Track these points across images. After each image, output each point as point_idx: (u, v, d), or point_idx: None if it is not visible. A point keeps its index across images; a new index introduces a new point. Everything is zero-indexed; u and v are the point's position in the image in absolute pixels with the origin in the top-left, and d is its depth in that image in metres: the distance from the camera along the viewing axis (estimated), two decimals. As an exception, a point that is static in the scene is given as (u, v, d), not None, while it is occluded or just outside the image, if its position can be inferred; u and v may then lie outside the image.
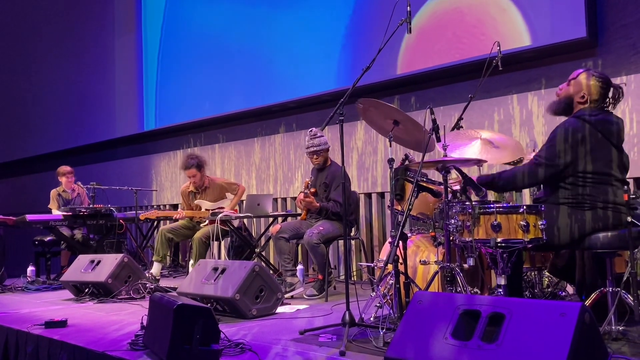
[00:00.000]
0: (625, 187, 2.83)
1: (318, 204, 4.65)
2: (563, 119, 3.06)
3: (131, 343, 2.96)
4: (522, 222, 2.67)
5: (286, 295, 4.34)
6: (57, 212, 6.51)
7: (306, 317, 3.66)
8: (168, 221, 7.02)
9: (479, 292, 3.29)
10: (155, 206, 7.93)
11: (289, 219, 5.51)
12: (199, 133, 7.63)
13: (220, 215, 5.22)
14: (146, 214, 5.82)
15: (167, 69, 7.82)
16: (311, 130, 4.77)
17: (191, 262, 5.33)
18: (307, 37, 6.07)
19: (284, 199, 6.51)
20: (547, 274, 3.71)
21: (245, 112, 6.76)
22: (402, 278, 3.07)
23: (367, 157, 5.72)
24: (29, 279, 5.73)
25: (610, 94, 2.98)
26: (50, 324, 3.49)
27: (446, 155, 3.12)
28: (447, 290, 2.97)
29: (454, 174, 3.38)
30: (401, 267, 3.08)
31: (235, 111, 6.82)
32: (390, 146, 3.27)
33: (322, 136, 4.76)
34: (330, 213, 4.63)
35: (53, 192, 6.70)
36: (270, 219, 5.90)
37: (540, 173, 2.91)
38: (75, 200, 6.66)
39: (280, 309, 3.87)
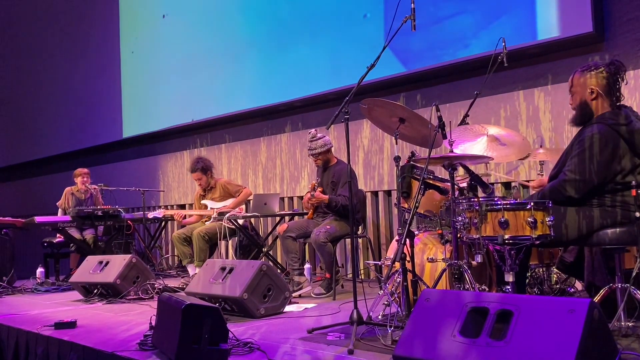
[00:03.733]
0: (633, 182, 2.80)
1: (326, 197, 4.62)
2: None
3: (140, 343, 2.97)
4: (529, 219, 2.66)
5: (294, 294, 4.35)
6: (60, 211, 6.57)
7: (314, 316, 3.66)
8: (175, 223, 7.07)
9: (486, 289, 3.28)
10: (162, 206, 7.95)
11: (296, 218, 5.52)
12: (205, 133, 7.64)
13: (227, 215, 5.23)
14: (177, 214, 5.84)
15: (172, 70, 7.84)
16: (310, 133, 4.78)
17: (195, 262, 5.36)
18: (311, 35, 6.07)
19: (291, 198, 6.52)
20: (555, 270, 3.69)
21: (251, 112, 6.77)
22: (409, 276, 3.06)
23: (373, 155, 5.71)
24: (39, 281, 5.76)
25: (613, 74, 2.90)
26: (60, 325, 3.51)
27: (452, 152, 3.11)
28: (455, 287, 2.97)
29: (461, 171, 3.37)
30: (408, 265, 3.08)
31: (241, 111, 6.83)
32: (397, 144, 3.27)
33: (322, 137, 4.75)
34: (340, 206, 4.59)
35: (67, 190, 6.76)
36: (277, 218, 5.91)
37: (571, 189, 2.81)
38: (88, 201, 6.69)
39: (288, 308, 3.88)
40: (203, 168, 5.70)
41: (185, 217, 5.77)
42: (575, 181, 2.82)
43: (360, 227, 4.95)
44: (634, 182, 2.78)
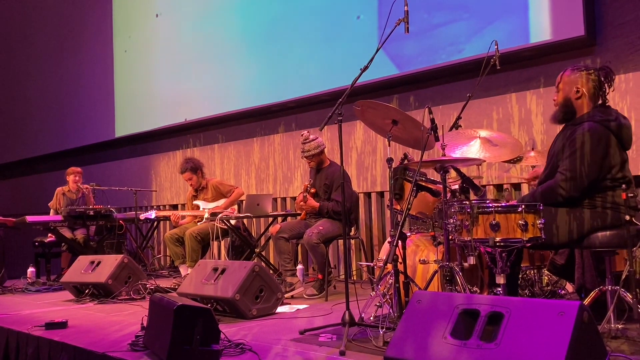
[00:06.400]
0: (624, 185, 2.83)
1: (317, 204, 4.67)
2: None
3: (131, 344, 2.97)
4: (520, 222, 2.68)
5: (286, 295, 4.35)
6: (52, 211, 6.54)
7: (306, 317, 3.66)
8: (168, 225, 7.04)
9: (478, 291, 3.29)
10: (154, 206, 7.94)
11: (289, 218, 5.52)
12: (198, 133, 7.63)
13: (220, 215, 5.22)
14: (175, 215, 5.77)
15: (165, 69, 7.82)
16: (302, 135, 4.79)
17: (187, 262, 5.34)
18: (305, 36, 6.07)
19: (284, 199, 6.52)
20: (546, 272, 3.72)
21: (244, 112, 6.76)
22: (401, 277, 3.07)
23: (366, 156, 5.72)
24: (29, 280, 5.74)
25: (602, 79, 2.95)
26: (51, 325, 3.50)
27: (445, 155, 3.12)
28: (447, 289, 2.98)
29: (453, 173, 3.39)
30: (400, 267, 3.09)
31: (234, 111, 6.82)
32: (389, 145, 3.28)
33: (315, 139, 4.76)
34: (331, 212, 4.64)
35: (58, 190, 6.73)
36: (270, 219, 5.91)
37: (569, 188, 2.81)
38: (80, 200, 6.66)
39: (280, 309, 3.88)
40: (192, 168, 5.70)
41: (183, 218, 5.75)
42: (573, 179, 2.81)
43: (352, 228, 4.96)
44: (624, 186, 2.80)
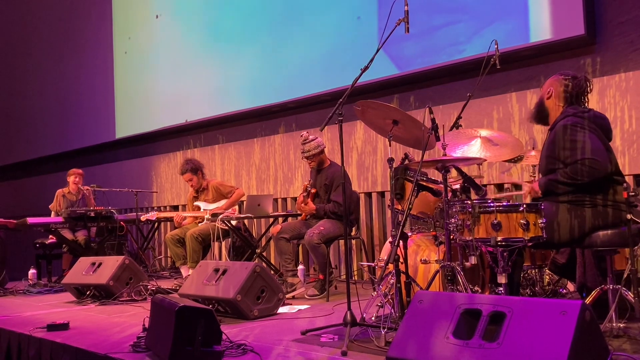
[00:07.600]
0: (625, 184, 2.83)
1: (314, 207, 4.68)
2: (545, 128, 3.13)
3: (133, 345, 2.97)
4: (522, 221, 2.68)
5: (287, 296, 4.35)
6: (53, 214, 6.54)
7: (307, 317, 3.66)
8: (169, 224, 7.03)
9: (479, 290, 3.29)
10: (155, 208, 7.94)
11: (290, 219, 5.52)
12: (199, 134, 7.63)
13: (221, 216, 5.22)
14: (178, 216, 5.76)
15: (165, 70, 7.82)
16: (302, 135, 4.79)
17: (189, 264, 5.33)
18: (305, 36, 6.07)
19: (284, 199, 6.52)
20: (547, 271, 3.71)
21: (244, 113, 6.76)
22: (403, 277, 3.07)
23: (367, 156, 5.72)
24: (31, 282, 5.74)
25: (574, 85, 3.00)
26: (52, 327, 3.50)
27: (445, 155, 3.12)
28: (448, 289, 2.98)
29: (454, 173, 3.39)
30: (402, 267, 3.09)
31: (234, 112, 6.82)
32: (390, 145, 3.27)
33: (314, 139, 4.76)
34: (329, 213, 4.65)
35: (59, 192, 6.73)
36: (271, 220, 5.91)
37: (602, 169, 2.78)
38: (80, 202, 6.66)
39: (281, 310, 3.88)
40: (193, 168, 5.70)
41: (184, 219, 5.74)
42: (596, 160, 2.78)
43: (353, 229, 4.96)
44: (625, 184, 2.80)
